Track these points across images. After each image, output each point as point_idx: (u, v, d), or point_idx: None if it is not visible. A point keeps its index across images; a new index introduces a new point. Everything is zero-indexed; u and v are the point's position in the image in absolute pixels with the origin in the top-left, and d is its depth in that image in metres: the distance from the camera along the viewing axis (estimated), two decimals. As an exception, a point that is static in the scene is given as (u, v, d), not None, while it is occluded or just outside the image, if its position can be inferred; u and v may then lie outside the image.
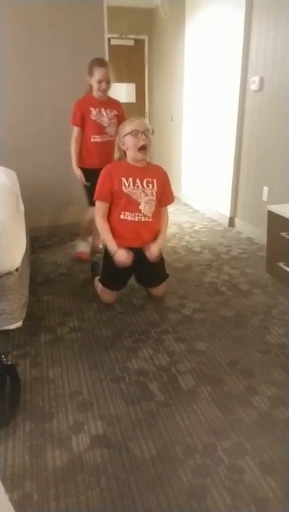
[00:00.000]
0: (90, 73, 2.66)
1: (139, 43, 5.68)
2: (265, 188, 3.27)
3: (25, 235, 2.27)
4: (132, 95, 5.87)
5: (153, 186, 2.27)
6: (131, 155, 2.24)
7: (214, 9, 3.73)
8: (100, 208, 2.28)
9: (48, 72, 3.28)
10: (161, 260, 2.41)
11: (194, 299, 2.46)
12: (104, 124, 2.74)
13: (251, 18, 3.21)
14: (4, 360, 1.61)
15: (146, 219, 2.26)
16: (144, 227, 2.28)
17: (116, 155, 2.34)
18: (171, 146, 5.19)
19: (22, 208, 2.47)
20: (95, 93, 2.71)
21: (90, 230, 3.06)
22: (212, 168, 4.15)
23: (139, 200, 2.23)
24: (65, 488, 1.25)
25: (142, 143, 2.18)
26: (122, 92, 5.75)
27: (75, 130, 2.78)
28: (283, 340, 2.02)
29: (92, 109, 2.69)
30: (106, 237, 2.26)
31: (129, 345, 1.99)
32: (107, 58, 3.37)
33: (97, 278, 2.44)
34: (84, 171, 2.84)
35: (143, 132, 2.18)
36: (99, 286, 2.43)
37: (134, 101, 5.86)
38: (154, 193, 2.27)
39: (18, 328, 2.03)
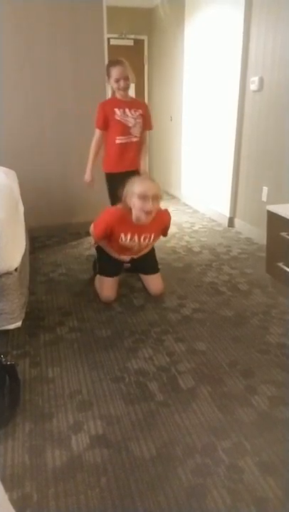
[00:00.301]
0: (108, 75, 2.63)
1: (138, 43, 5.68)
2: (265, 188, 3.27)
3: (24, 235, 2.27)
4: (131, 95, 5.86)
5: (149, 240, 2.36)
6: (136, 214, 2.19)
7: (214, 9, 3.73)
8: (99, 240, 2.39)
9: (47, 72, 3.28)
10: (152, 251, 2.55)
11: (194, 299, 2.46)
12: (130, 125, 2.66)
13: (251, 18, 3.22)
14: (3, 360, 1.61)
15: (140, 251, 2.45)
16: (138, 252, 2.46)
17: (122, 204, 2.26)
18: (171, 146, 5.19)
19: (22, 207, 2.47)
20: (118, 94, 2.67)
21: None
22: (212, 168, 4.15)
23: (133, 246, 2.34)
24: (64, 487, 1.25)
25: (148, 209, 2.13)
26: (122, 92, 5.75)
27: (97, 133, 2.73)
28: (283, 340, 2.02)
29: (116, 109, 2.63)
30: (109, 251, 2.38)
31: (128, 345, 1.99)
32: (106, 58, 3.37)
33: (97, 275, 2.48)
34: (108, 175, 2.79)
35: (151, 198, 2.12)
36: (98, 282, 2.46)
37: (134, 101, 5.85)
38: (149, 244, 2.40)
39: (18, 328, 2.03)
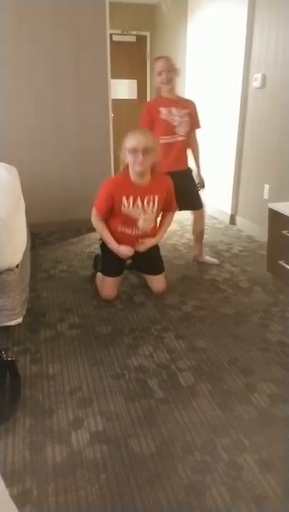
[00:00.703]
0: (153, 73, 2.63)
1: (141, 39, 5.66)
2: (267, 186, 3.27)
3: (25, 232, 2.27)
4: (133, 92, 5.85)
5: (154, 204, 2.28)
6: (131, 171, 2.18)
7: (216, 6, 3.70)
8: (97, 218, 2.31)
9: (49, 69, 3.26)
10: (156, 249, 2.50)
11: (195, 296, 2.46)
12: (175, 123, 2.58)
13: (254, 15, 3.20)
14: (4, 356, 1.61)
15: (144, 233, 2.34)
16: (142, 238, 2.35)
17: (121, 166, 2.25)
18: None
19: (23, 204, 2.47)
20: (163, 91, 2.61)
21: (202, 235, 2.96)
22: (213, 166, 4.13)
23: (137, 218, 2.27)
24: (64, 483, 1.25)
25: (139, 162, 2.10)
26: (124, 88, 5.74)
27: None
28: (283, 338, 2.02)
29: (161, 108, 2.56)
30: (106, 237, 2.33)
31: (129, 342, 2.00)
32: (108, 54, 3.36)
33: (98, 273, 2.46)
34: None
35: (142, 151, 2.08)
36: (100, 281, 2.45)
37: (136, 97, 5.85)
38: (154, 211, 2.30)
39: (18, 325, 2.03)
